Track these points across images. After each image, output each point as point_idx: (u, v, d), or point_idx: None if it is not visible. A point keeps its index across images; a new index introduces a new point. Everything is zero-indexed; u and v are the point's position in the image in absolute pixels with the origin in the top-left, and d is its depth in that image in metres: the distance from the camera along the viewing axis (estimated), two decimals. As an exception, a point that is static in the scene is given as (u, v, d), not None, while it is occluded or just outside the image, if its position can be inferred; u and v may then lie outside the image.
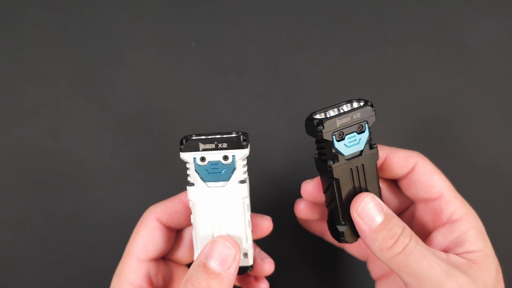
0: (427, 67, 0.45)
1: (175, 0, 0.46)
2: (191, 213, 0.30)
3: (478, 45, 0.45)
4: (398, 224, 0.28)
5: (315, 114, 0.29)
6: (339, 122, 0.28)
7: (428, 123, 0.44)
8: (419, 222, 0.33)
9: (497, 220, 0.44)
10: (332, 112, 0.29)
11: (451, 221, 0.30)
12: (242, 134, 0.28)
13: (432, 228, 0.32)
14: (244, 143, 0.28)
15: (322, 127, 0.28)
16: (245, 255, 0.30)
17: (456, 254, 0.29)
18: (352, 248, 0.36)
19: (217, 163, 0.28)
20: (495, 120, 0.44)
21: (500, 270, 0.30)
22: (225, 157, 0.28)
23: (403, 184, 0.32)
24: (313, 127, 0.28)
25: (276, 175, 0.44)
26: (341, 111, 0.29)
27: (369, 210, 0.28)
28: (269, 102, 0.45)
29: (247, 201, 0.29)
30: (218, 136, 0.28)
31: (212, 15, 0.46)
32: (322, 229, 0.35)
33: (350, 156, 0.29)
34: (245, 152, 0.28)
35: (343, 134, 0.28)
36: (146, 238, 0.31)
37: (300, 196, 0.33)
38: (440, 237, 0.30)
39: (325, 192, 0.30)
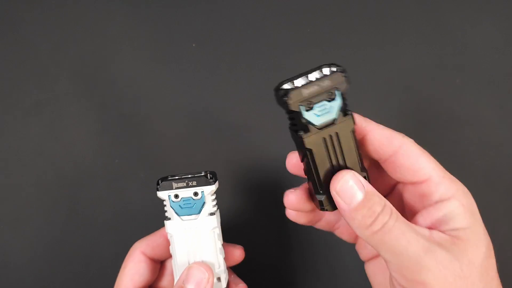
0: (426, 68, 0.45)
1: (175, 0, 0.46)
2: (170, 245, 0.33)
3: (476, 47, 0.45)
4: (379, 202, 0.27)
5: (283, 84, 0.28)
6: (306, 91, 0.27)
7: (426, 123, 0.44)
8: (408, 203, 0.32)
9: (495, 220, 0.44)
10: (300, 81, 0.28)
11: (440, 201, 0.29)
12: (209, 173, 0.32)
13: (421, 209, 0.31)
14: (211, 180, 0.32)
15: (287, 98, 0.27)
16: (219, 279, 0.33)
17: (441, 232, 0.28)
18: (341, 233, 0.36)
19: (188, 199, 0.32)
20: (494, 121, 0.44)
21: (491, 247, 0.29)
22: (195, 193, 0.32)
23: (388, 167, 0.31)
24: (280, 97, 0.28)
25: (275, 174, 0.44)
26: (309, 79, 0.28)
27: (348, 188, 0.28)
28: (268, 101, 0.45)
29: (217, 231, 0.33)
30: (189, 176, 0.32)
31: (212, 15, 0.46)
32: (314, 219, 0.35)
33: (322, 125, 0.28)
34: (212, 188, 0.32)
35: (312, 103, 0.27)
36: (133, 270, 0.34)
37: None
38: (425, 215, 0.30)
39: (302, 161, 0.30)
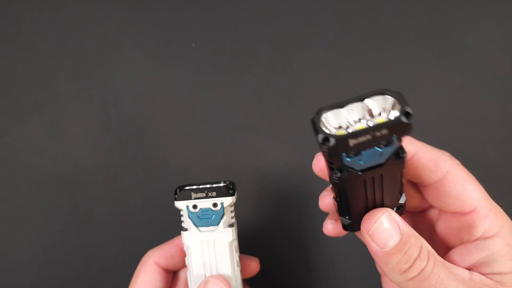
0: (427, 67, 0.45)
1: (174, 0, 0.46)
2: (185, 256, 0.33)
3: (477, 46, 0.45)
4: (416, 244, 0.24)
5: (323, 115, 0.22)
6: (353, 142, 0.21)
7: (426, 123, 0.44)
8: (442, 232, 0.29)
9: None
10: (347, 116, 0.21)
11: (483, 238, 0.26)
12: (229, 184, 0.32)
13: (458, 242, 0.28)
14: (231, 191, 0.31)
15: (327, 149, 0.21)
16: None
17: (482, 274, 0.26)
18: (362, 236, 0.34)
19: (207, 210, 0.32)
20: (494, 121, 0.44)
21: None
22: (215, 204, 0.31)
23: (429, 194, 0.28)
24: (317, 139, 0.21)
25: (276, 173, 0.44)
26: (360, 117, 0.21)
27: (383, 231, 0.24)
28: (269, 102, 0.45)
29: (235, 243, 0.32)
30: (208, 186, 0.32)
31: (212, 15, 0.46)
32: None
33: (366, 169, 0.22)
34: (232, 199, 0.31)
35: (359, 151, 0.22)
36: (146, 280, 0.33)
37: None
38: (465, 254, 0.26)
39: (331, 182, 0.25)
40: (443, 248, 0.28)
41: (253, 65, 0.45)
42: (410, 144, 0.26)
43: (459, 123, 0.44)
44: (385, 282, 0.32)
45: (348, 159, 0.22)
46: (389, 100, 0.21)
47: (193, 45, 0.45)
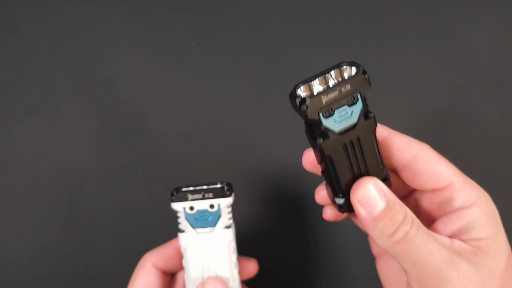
0: (427, 67, 0.45)
1: (175, 0, 0.46)
2: (183, 258, 0.33)
3: (478, 47, 0.45)
4: (400, 211, 0.27)
5: (299, 87, 0.26)
6: (325, 98, 0.25)
7: (427, 123, 0.44)
8: (426, 211, 0.31)
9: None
10: (317, 85, 0.26)
11: (462, 208, 0.29)
12: (226, 185, 0.32)
13: (441, 216, 0.30)
14: (228, 192, 0.31)
15: (305, 107, 0.25)
16: None
17: (462, 240, 0.28)
18: (356, 218, 0.35)
19: (204, 211, 0.32)
20: (495, 121, 0.44)
21: (511, 257, 0.28)
22: (211, 206, 0.32)
23: (406, 175, 0.30)
24: (296, 106, 0.26)
25: (276, 173, 0.44)
26: (328, 83, 0.26)
27: (370, 197, 0.27)
28: (269, 102, 0.45)
29: (232, 244, 0.32)
30: (205, 187, 0.32)
31: (211, 14, 0.46)
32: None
33: (343, 131, 0.26)
34: (229, 200, 0.32)
35: (332, 109, 0.26)
36: (144, 283, 0.33)
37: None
38: (446, 223, 0.29)
39: (319, 163, 0.28)
40: (428, 224, 0.30)
41: (253, 65, 0.45)
42: (382, 128, 0.30)
43: (459, 123, 0.44)
44: (380, 267, 0.33)
45: (325, 119, 0.26)
46: (347, 68, 0.26)
47: (193, 45, 0.45)
